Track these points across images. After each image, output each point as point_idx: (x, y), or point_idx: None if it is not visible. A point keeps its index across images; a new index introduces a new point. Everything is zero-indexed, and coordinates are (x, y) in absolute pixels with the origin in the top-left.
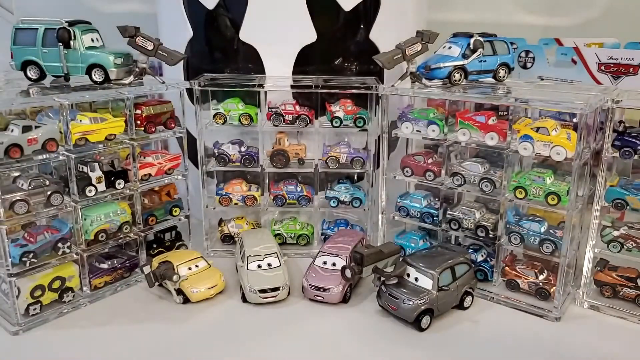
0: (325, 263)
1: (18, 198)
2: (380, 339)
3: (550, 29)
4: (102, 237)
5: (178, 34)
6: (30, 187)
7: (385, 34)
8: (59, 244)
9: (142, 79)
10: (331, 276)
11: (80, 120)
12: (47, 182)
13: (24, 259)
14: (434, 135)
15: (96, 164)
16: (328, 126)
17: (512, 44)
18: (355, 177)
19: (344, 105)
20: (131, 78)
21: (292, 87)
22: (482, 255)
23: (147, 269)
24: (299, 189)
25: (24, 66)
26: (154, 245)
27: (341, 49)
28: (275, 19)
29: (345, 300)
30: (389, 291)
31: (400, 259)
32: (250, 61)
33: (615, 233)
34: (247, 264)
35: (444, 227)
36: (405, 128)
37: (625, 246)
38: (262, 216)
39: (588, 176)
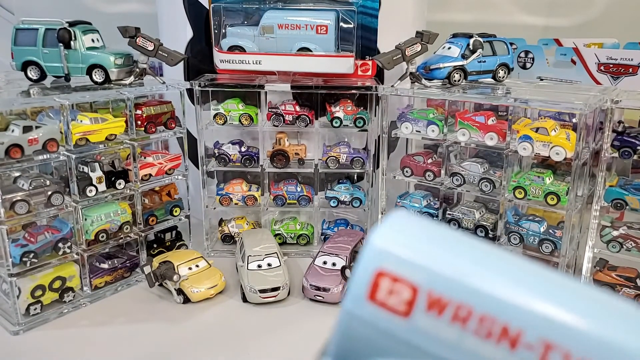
0: (325, 263)
1: (19, 198)
2: None
3: (550, 29)
4: (102, 237)
5: (178, 34)
6: (30, 187)
7: (385, 34)
8: (60, 244)
9: (142, 79)
10: (331, 276)
11: (81, 121)
12: (48, 182)
13: (24, 259)
14: (433, 136)
15: (97, 164)
16: (328, 126)
17: (511, 44)
18: (355, 177)
19: (343, 105)
20: (131, 78)
21: (292, 87)
22: None
23: (147, 269)
24: (299, 189)
25: (24, 66)
26: (155, 245)
27: None
28: None
29: None
30: None
31: None
32: None
33: (615, 233)
34: (247, 263)
35: None
36: (405, 128)
37: (624, 246)
38: (262, 216)
39: (587, 176)
